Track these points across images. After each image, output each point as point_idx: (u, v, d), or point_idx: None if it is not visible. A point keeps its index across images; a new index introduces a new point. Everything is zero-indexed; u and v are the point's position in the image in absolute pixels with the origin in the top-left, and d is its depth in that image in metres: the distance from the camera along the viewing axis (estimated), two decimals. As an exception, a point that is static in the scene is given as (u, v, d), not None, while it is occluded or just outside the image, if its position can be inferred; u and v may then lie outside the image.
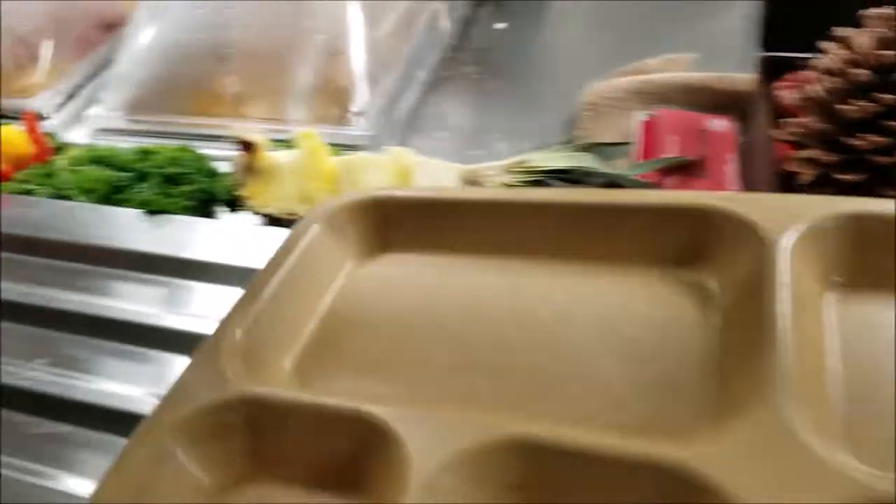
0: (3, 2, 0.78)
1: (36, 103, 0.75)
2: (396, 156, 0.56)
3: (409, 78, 0.73)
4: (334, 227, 0.40)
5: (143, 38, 0.74)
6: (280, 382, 0.33)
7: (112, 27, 0.84)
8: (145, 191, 0.60)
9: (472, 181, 0.55)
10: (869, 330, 0.31)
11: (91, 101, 0.76)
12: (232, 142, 0.59)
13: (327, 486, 0.29)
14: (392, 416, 0.28)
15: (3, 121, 0.71)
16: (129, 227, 0.58)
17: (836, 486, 0.23)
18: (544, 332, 0.33)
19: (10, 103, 0.76)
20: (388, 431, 0.27)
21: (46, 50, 0.80)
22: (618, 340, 0.32)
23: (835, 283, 0.33)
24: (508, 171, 0.55)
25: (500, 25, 0.80)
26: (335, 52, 0.68)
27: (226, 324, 0.34)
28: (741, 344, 0.30)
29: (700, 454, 0.25)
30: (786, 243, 0.32)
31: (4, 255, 0.57)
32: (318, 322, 0.37)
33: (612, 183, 0.53)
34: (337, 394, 0.32)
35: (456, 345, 0.34)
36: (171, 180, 0.61)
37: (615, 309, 0.34)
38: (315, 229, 0.39)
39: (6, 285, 0.54)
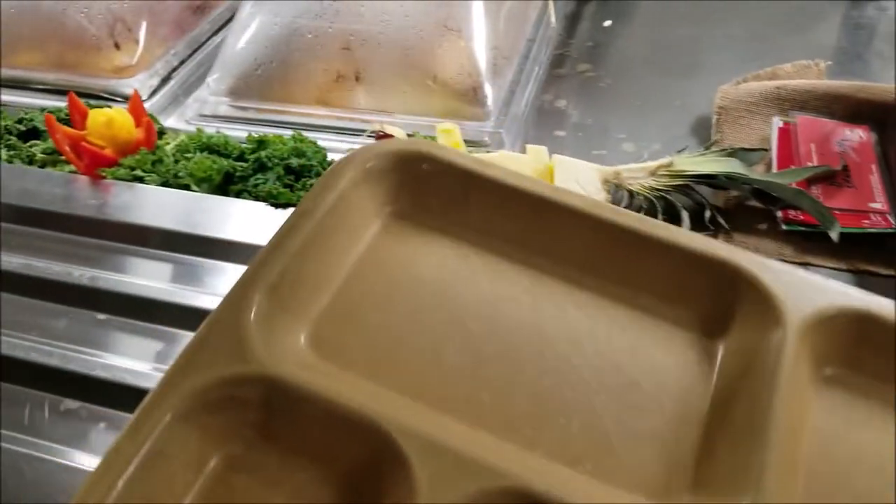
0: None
1: (133, 85, 0.71)
2: (535, 154, 0.55)
3: (527, 74, 0.70)
4: (371, 176, 0.39)
5: (253, 21, 0.69)
6: (297, 355, 0.34)
7: (203, 9, 0.81)
8: (268, 182, 0.56)
9: (615, 182, 0.54)
10: (844, 427, 0.33)
11: (188, 85, 0.73)
12: (364, 133, 0.57)
13: (331, 479, 0.31)
14: (404, 432, 0.30)
15: (96, 101, 0.68)
16: (254, 220, 0.54)
17: None
18: (554, 354, 0.35)
19: (103, 83, 0.72)
20: (399, 452, 0.29)
21: (140, 29, 0.74)
22: (621, 381, 0.34)
23: (828, 375, 0.35)
24: (652, 173, 0.54)
25: (607, 23, 0.80)
26: (461, 46, 0.65)
27: (247, 283, 0.34)
28: (734, 419, 0.32)
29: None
30: (798, 324, 0.33)
31: (114, 244, 0.54)
32: (339, 286, 0.37)
33: (761, 190, 0.53)
34: (349, 379, 0.33)
35: (469, 346, 0.35)
36: (293, 172, 0.57)
37: (625, 346, 0.36)
38: (351, 175, 0.38)
39: (131, 280, 0.52)
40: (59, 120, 0.62)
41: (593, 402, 0.34)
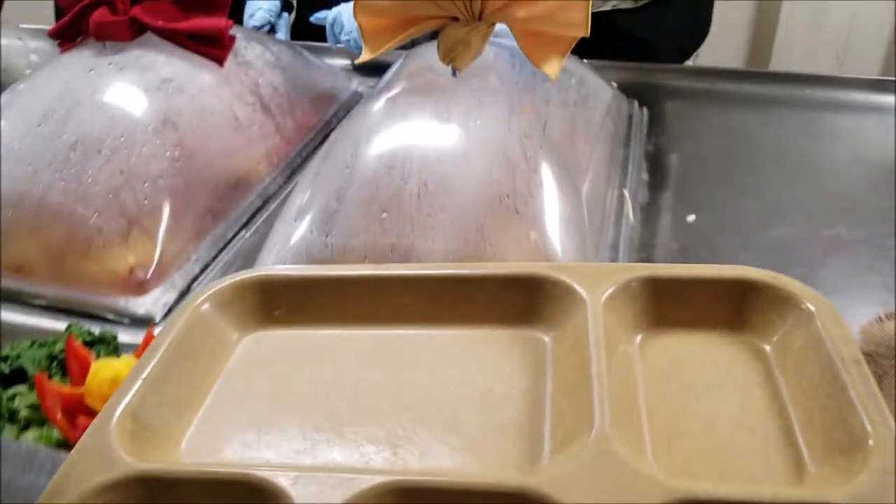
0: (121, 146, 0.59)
1: (146, 304, 0.56)
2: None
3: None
4: (220, 304, 0.43)
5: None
6: (169, 458, 0.35)
7: (237, 192, 0.66)
8: None
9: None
10: (668, 364, 0.39)
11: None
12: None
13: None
14: (280, 476, 0.31)
15: (100, 324, 0.53)
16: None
17: (648, 491, 0.30)
18: (415, 393, 0.39)
19: (111, 302, 0.57)
20: (278, 491, 0.31)
21: (159, 228, 0.58)
22: (475, 393, 0.38)
23: (641, 327, 0.41)
24: None
25: (690, 218, 0.65)
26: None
27: (112, 405, 0.36)
28: (570, 386, 0.37)
29: (543, 479, 0.31)
30: (598, 302, 0.40)
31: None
32: (206, 393, 0.39)
33: None
34: (219, 460, 0.34)
35: (336, 411, 0.38)
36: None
37: (474, 367, 0.40)
38: (202, 307, 0.42)
39: None
40: (52, 358, 0.49)
41: (457, 417, 0.37)
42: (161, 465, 0.34)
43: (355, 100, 0.83)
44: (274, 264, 0.53)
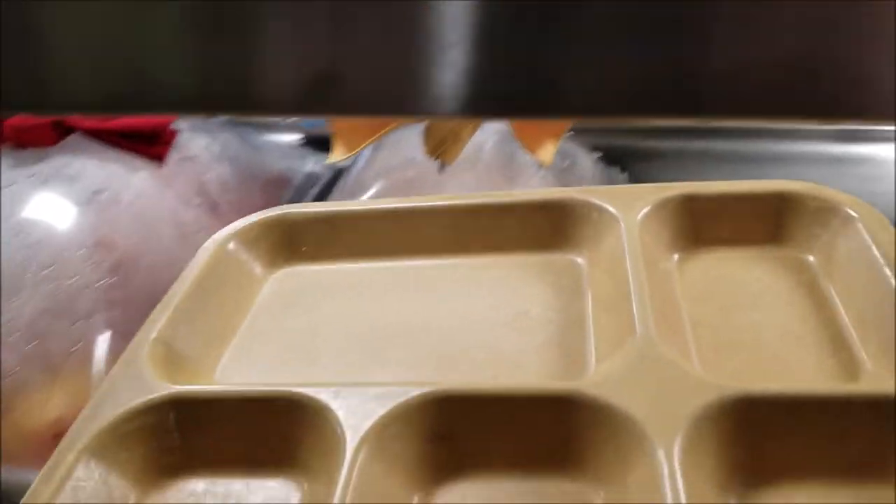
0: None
1: None
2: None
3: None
4: (247, 241, 0.43)
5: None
6: (200, 378, 0.35)
7: None
8: None
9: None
10: (709, 280, 0.38)
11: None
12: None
13: (262, 468, 0.31)
14: (321, 392, 0.31)
15: None
16: None
17: (698, 388, 0.29)
18: (449, 317, 0.38)
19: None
20: (319, 406, 0.30)
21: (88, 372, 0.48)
22: (511, 315, 0.37)
23: (678, 247, 0.40)
24: None
25: None
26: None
27: (144, 333, 0.36)
28: (610, 303, 0.36)
29: (590, 382, 0.30)
30: (633, 221, 0.38)
31: None
32: (236, 327, 0.39)
33: None
34: (255, 380, 0.34)
35: (371, 337, 0.37)
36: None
37: (505, 289, 0.39)
38: (227, 245, 0.42)
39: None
40: None
41: (494, 338, 0.36)
42: (197, 386, 0.33)
43: (310, 182, 0.72)
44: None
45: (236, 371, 0.37)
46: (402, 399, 0.30)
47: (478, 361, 0.35)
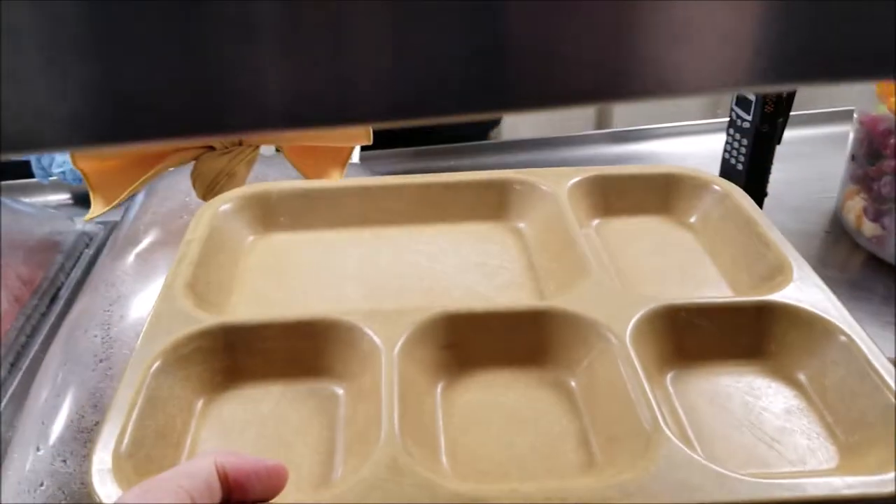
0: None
1: None
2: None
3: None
4: (233, 210, 0.48)
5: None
6: (235, 313, 0.40)
7: None
8: None
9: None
10: (620, 238, 0.49)
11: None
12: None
13: (305, 379, 0.37)
14: (351, 315, 0.38)
15: None
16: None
17: (637, 302, 0.39)
18: (420, 269, 0.46)
19: None
20: (354, 327, 0.37)
21: None
22: (471, 265, 0.46)
23: (596, 215, 0.51)
24: None
25: None
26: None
27: (172, 279, 0.40)
28: (555, 253, 0.46)
29: (559, 301, 0.40)
30: (562, 194, 0.49)
31: None
32: (243, 282, 0.44)
33: None
34: (284, 311, 0.39)
35: (361, 283, 0.44)
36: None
37: (464, 248, 0.48)
38: (210, 215, 0.46)
39: None
40: None
41: (465, 282, 0.45)
42: (242, 317, 0.39)
43: (83, 242, 0.68)
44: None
45: (257, 311, 0.42)
46: (420, 318, 0.38)
47: (456, 297, 0.43)
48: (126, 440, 0.31)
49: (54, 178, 0.71)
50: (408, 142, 0.96)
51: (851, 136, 0.77)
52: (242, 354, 0.38)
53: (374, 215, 0.51)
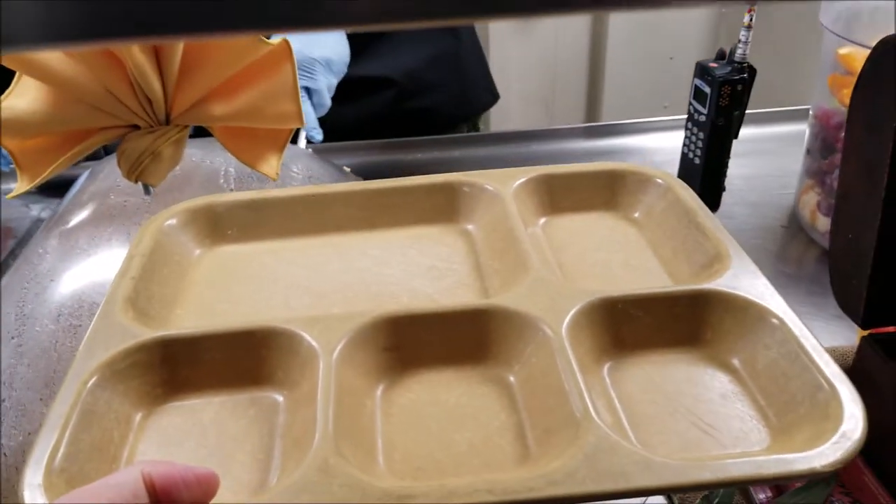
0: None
1: None
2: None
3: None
4: (178, 225, 0.48)
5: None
6: (175, 324, 0.40)
7: None
8: None
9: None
10: (567, 235, 0.50)
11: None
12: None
13: (246, 388, 0.37)
14: (290, 323, 0.38)
15: None
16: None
17: (574, 296, 0.40)
18: (371, 274, 0.46)
19: None
20: (293, 334, 0.37)
21: None
22: (421, 268, 0.47)
23: (542, 213, 0.52)
24: None
25: None
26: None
27: (112, 294, 0.40)
28: (499, 251, 0.46)
29: (499, 299, 0.40)
30: (508, 195, 0.50)
31: None
32: (187, 296, 0.44)
33: None
34: (225, 322, 0.38)
35: (310, 289, 0.44)
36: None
37: (414, 251, 0.48)
38: (163, 225, 0.47)
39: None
40: None
41: (411, 286, 0.45)
42: (179, 329, 0.39)
43: (37, 228, 0.69)
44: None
45: (194, 325, 0.42)
46: (360, 322, 0.38)
47: (403, 302, 0.44)
48: (59, 455, 0.31)
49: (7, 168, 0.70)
50: (373, 133, 0.97)
51: (807, 131, 0.79)
52: (182, 367, 0.38)
53: (322, 223, 0.51)
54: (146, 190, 0.51)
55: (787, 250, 0.77)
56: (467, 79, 1.07)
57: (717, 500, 0.45)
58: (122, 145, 0.49)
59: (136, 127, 0.49)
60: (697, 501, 0.46)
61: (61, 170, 0.49)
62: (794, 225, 0.82)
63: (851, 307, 0.48)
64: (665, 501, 0.49)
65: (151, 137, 0.48)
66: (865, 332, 0.49)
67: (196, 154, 0.57)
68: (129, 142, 0.48)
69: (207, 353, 0.38)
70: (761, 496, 0.48)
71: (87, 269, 0.48)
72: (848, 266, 0.48)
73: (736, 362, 0.38)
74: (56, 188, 0.67)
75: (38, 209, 0.73)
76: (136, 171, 0.49)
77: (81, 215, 0.54)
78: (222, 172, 0.56)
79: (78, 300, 0.46)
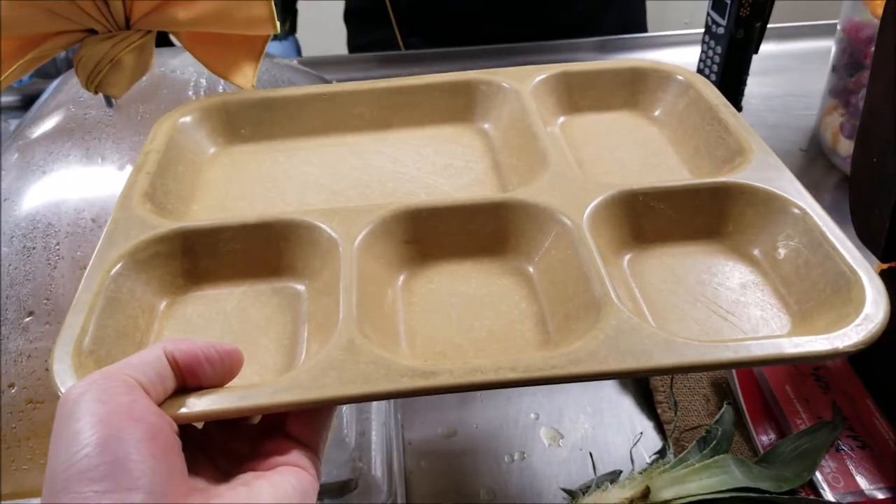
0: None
1: None
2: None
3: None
4: (192, 123, 0.47)
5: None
6: (194, 217, 0.40)
7: None
8: None
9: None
10: (585, 134, 0.49)
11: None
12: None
13: (267, 277, 0.38)
14: (310, 215, 0.38)
15: None
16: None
17: (594, 189, 0.39)
18: (386, 171, 0.46)
19: None
20: (313, 226, 0.37)
21: None
22: (438, 166, 0.46)
23: (561, 112, 0.51)
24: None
25: None
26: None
27: (129, 189, 0.40)
28: (518, 148, 0.46)
29: (518, 193, 0.40)
30: (526, 92, 0.49)
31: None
32: (203, 192, 0.44)
33: None
34: (244, 215, 0.38)
35: (327, 186, 0.44)
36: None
37: (430, 150, 0.48)
38: (170, 125, 0.46)
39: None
40: None
41: (429, 183, 0.45)
42: (198, 221, 0.39)
43: None
44: None
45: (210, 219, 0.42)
46: (380, 214, 0.38)
47: (422, 194, 0.43)
48: (87, 339, 0.32)
49: None
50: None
51: (834, 47, 0.75)
52: (203, 258, 0.38)
53: (337, 122, 0.51)
54: (108, 102, 0.48)
55: (805, 176, 0.74)
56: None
57: (713, 443, 0.43)
58: (78, 52, 0.45)
59: (94, 32, 0.45)
60: (693, 443, 0.43)
61: (14, 80, 0.46)
62: (815, 149, 0.79)
63: (871, 238, 0.46)
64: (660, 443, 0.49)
65: (110, 43, 0.44)
66: (885, 266, 0.47)
67: (164, 64, 0.54)
68: (85, 48, 0.45)
69: (227, 245, 0.38)
70: (763, 438, 0.47)
71: (42, 188, 0.45)
72: (870, 193, 0.46)
73: (757, 253, 0.38)
74: (30, 104, 0.63)
75: (15, 124, 0.66)
76: (95, 81, 0.45)
77: (42, 128, 0.50)
78: (192, 83, 0.54)
79: (32, 221, 0.44)
